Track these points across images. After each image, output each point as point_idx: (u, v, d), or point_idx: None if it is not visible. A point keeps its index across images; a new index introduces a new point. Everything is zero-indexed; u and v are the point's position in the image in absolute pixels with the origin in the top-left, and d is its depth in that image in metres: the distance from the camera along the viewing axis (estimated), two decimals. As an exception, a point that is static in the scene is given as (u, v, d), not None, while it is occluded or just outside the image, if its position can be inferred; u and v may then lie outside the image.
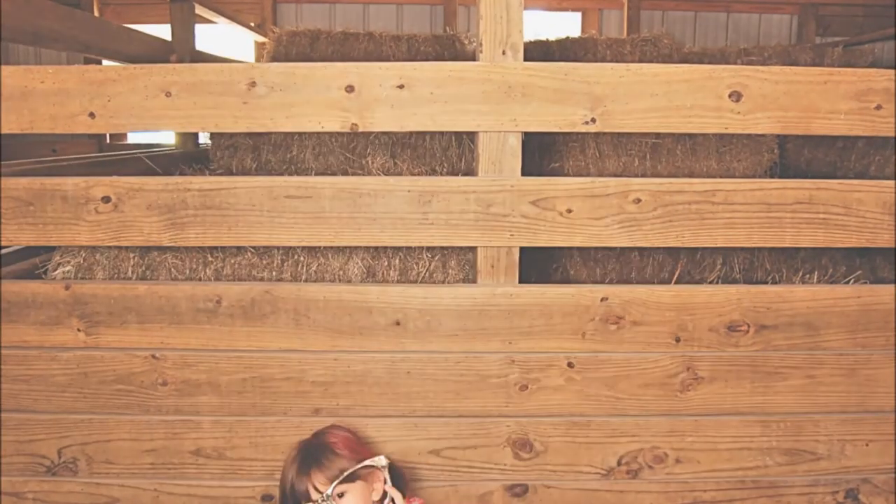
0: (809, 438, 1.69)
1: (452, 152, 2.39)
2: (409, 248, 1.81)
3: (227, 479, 1.67)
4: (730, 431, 1.67)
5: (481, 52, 1.53)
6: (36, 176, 1.59)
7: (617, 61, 2.50)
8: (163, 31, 3.74)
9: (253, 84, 1.52)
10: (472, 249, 1.67)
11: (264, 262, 1.79)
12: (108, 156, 3.57)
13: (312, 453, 1.45)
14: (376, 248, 1.80)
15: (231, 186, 1.56)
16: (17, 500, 1.67)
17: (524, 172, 1.58)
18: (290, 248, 1.79)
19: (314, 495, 1.40)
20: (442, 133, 2.37)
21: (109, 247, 1.77)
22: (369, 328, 1.62)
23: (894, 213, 1.59)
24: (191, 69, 1.52)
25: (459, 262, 1.85)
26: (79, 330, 1.62)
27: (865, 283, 2.04)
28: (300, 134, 2.48)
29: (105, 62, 3.57)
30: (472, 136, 2.13)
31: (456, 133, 2.36)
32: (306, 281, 1.77)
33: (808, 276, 2.12)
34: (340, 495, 1.41)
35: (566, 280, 2.18)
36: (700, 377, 1.65)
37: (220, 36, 5.86)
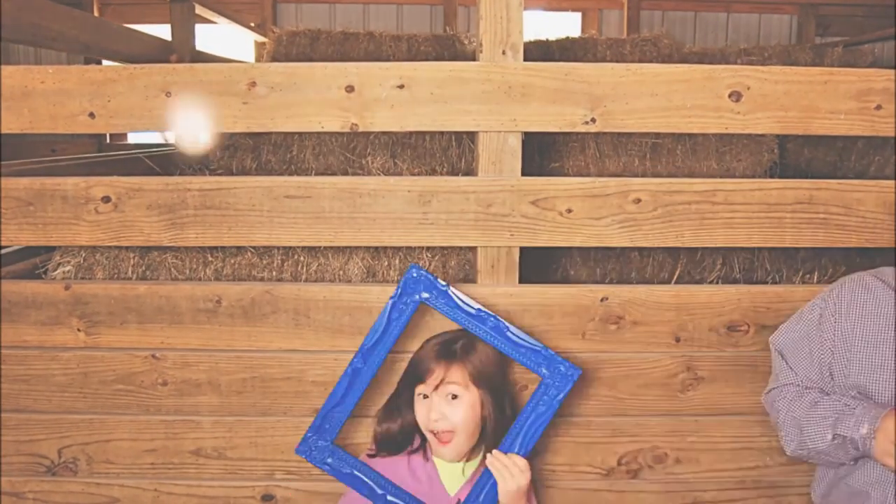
0: (809, 438, 1.69)
1: (452, 152, 2.39)
2: (409, 247, 1.81)
3: (227, 479, 1.67)
4: (730, 431, 1.67)
5: (481, 52, 1.53)
6: (36, 176, 1.59)
7: (617, 61, 2.50)
8: (163, 32, 3.74)
9: (253, 84, 1.52)
10: (472, 249, 1.67)
11: (264, 261, 1.79)
12: (107, 156, 3.57)
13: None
14: (376, 248, 1.80)
15: (231, 186, 1.56)
16: (18, 499, 1.67)
17: (524, 172, 1.58)
18: (291, 248, 1.79)
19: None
20: (442, 133, 2.37)
21: (109, 247, 1.77)
22: (370, 328, 1.61)
23: (894, 213, 1.59)
24: (191, 69, 1.52)
25: (459, 262, 1.85)
26: (79, 330, 1.62)
27: (865, 282, 2.04)
28: (300, 134, 2.48)
29: (105, 62, 3.58)
30: (472, 136, 2.13)
31: (456, 133, 2.36)
32: (306, 281, 1.77)
33: (808, 275, 2.12)
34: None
35: (566, 280, 2.18)
36: (700, 377, 1.65)
37: (221, 36, 5.86)
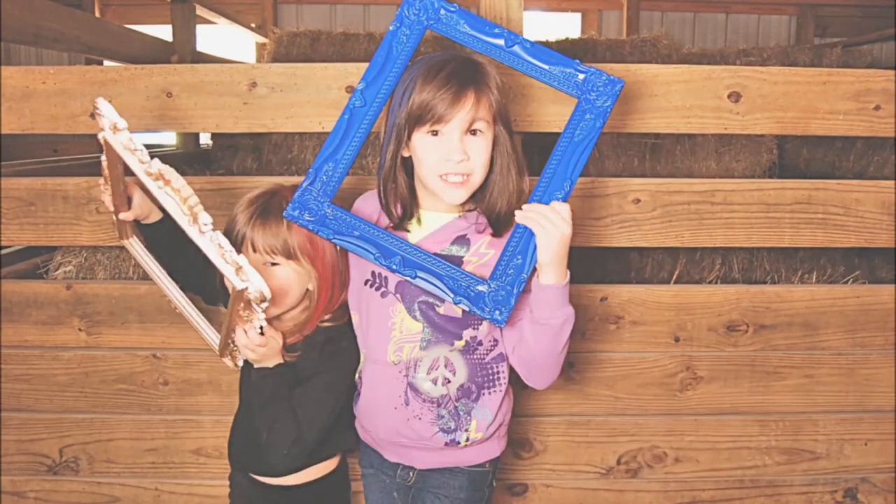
0: (808, 438, 1.69)
1: (452, 153, 2.39)
2: (409, 248, 1.81)
3: (228, 479, 1.67)
4: (729, 431, 1.68)
5: (481, 52, 1.53)
6: (37, 176, 1.59)
7: (616, 62, 2.51)
8: (164, 32, 3.75)
9: (254, 84, 1.52)
10: (472, 249, 1.67)
11: (265, 261, 1.80)
12: (108, 156, 3.56)
13: (267, 208, 1.28)
14: (376, 248, 1.80)
15: (232, 186, 1.56)
16: (19, 499, 1.68)
17: (524, 172, 1.58)
18: (291, 248, 1.79)
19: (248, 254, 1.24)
20: (442, 133, 2.37)
21: (111, 247, 1.78)
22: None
23: (893, 213, 1.60)
24: (192, 70, 1.53)
25: (459, 262, 1.84)
26: (80, 329, 1.62)
27: (864, 282, 2.05)
28: (301, 134, 2.49)
29: (106, 63, 3.58)
30: (471, 136, 2.13)
31: (456, 133, 2.36)
32: (307, 281, 1.77)
33: (806, 275, 2.13)
34: (274, 264, 1.26)
35: (566, 280, 2.18)
36: (699, 377, 1.65)
37: (221, 37, 5.87)
